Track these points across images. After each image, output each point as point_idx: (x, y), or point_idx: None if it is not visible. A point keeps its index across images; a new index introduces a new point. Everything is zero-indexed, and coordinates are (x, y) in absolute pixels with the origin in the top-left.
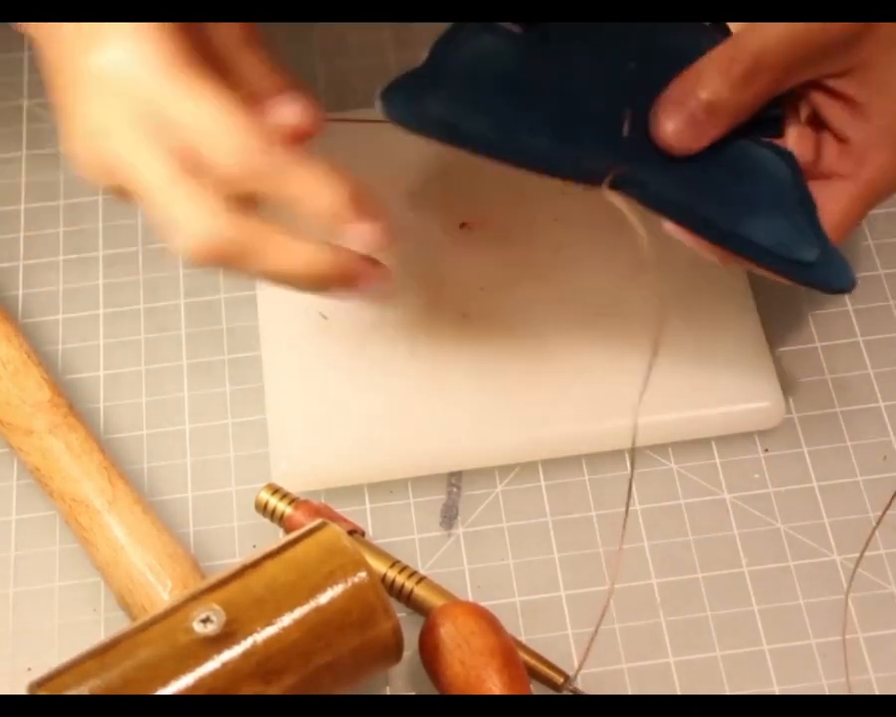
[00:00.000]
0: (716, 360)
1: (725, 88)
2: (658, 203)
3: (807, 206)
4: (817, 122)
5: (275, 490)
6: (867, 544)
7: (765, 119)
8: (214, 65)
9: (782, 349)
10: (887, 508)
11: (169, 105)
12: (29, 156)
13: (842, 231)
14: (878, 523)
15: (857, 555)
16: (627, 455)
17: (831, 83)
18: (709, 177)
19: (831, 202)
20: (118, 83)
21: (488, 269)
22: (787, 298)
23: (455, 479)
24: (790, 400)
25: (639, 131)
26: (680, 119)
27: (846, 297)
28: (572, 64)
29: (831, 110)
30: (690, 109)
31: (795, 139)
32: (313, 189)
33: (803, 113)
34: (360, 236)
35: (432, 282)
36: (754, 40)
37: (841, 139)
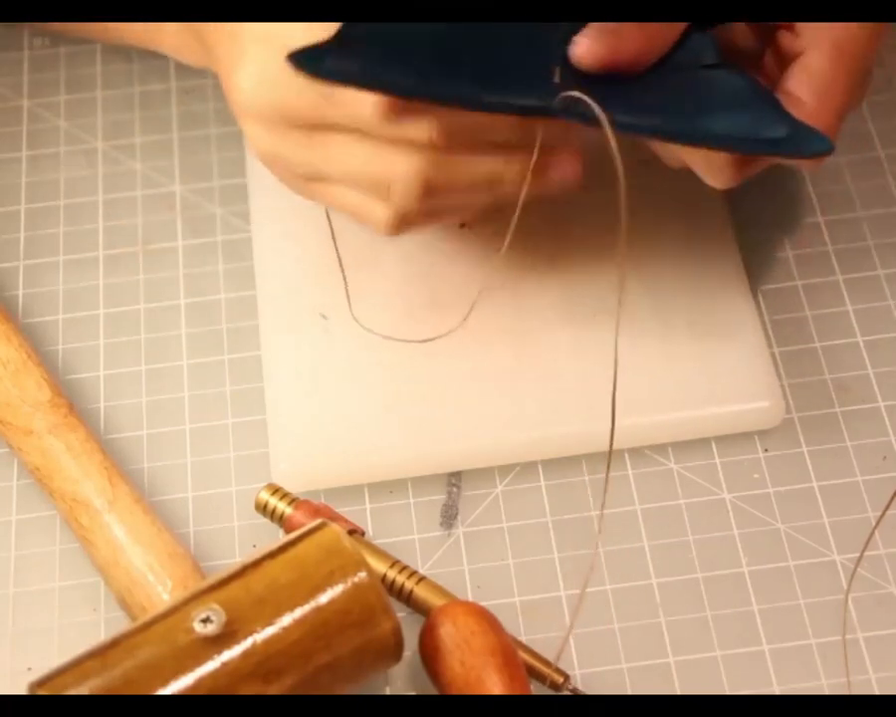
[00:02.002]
0: (716, 360)
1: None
2: (598, 123)
3: (768, 98)
4: (768, 33)
5: (275, 490)
6: (867, 544)
7: (700, 60)
8: None
9: (781, 348)
10: (887, 508)
11: (319, 105)
12: (29, 156)
13: (834, 96)
14: (878, 523)
15: (857, 555)
16: (627, 454)
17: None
18: (656, 96)
19: (812, 68)
20: (261, 106)
21: (488, 269)
22: (788, 298)
23: (455, 479)
24: (790, 400)
25: (570, 78)
26: (598, 31)
27: (846, 297)
28: (491, 30)
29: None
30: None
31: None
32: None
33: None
34: None
35: (432, 282)
36: None
37: (789, 28)
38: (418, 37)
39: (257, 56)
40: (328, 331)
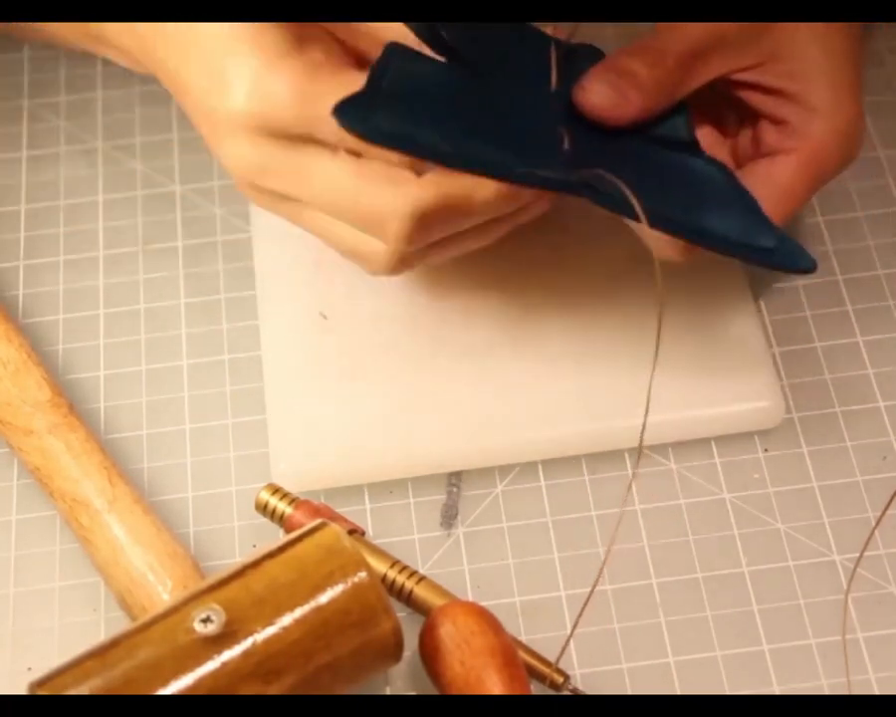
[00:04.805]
0: (716, 360)
1: (645, 66)
2: (618, 207)
3: (751, 203)
4: (752, 116)
5: (275, 490)
6: (867, 544)
7: (680, 144)
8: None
9: (782, 349)
10: (887, 508)
11: (310, 120)
12: (29, 156)
13: (789, 204)
14: (878, 523)
15: (857, 555)
16: (627, 455)
17: (749, 77)
18: (655, 183)
19: (777, 175)
20: (252, 120)
21: (488, 269)
22: (788, 298)
23: (455, 479)
24: (790, 400)
25: (577, 147)
26: (605, 83)
27: (846, 297)
28: (502, 90)
29: (760, 99)
30: (614, 75)
31: (733, 141)
32: None
33: (733, 117)
34: None
35: (431, 282)
36: (670, 31)
37: (778, 121)
38: (433, 96)
39: (239, 148)
40: (328, 331)
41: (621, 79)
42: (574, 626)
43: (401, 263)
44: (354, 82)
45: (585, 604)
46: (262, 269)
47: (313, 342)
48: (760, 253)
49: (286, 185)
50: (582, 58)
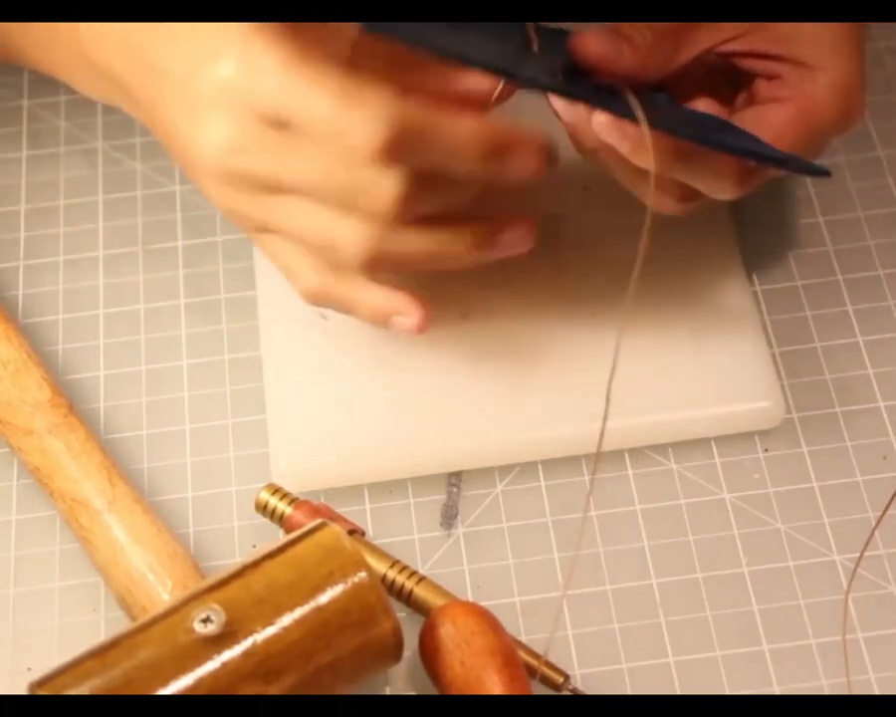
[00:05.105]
0: (716, 360)
1: (638, 31)
2: (620, 112)
3: (754, 135)
4: (748, 80)
5: (275, 490)
6: (867, 544)
7: None
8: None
9: (782, 349)
10: (887, 508)
11: (295, 103)
12: (29, 156)
13: (777, 146)
14: (878, 523)
15: (857, 555)
16: (627, 455)
17: (739, 45)
18: (658, 110)
19: (769, 117)
20: (238, 92)
21: (488, 269)
22: (788, 298)
23: (455, 479)
24: (790, 400)
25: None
26: (603, 34)
27: (846, 297)
28: (488, 38)
29: (754, 63)
30: (610, 32)
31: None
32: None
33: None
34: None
35: (432, 282)
36: None
37: (773, 77)
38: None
39: (221, 123)
40: (328, 331)
41: (617, 37)
42: (566, 628)
43: (375, 254)
44: (338, 72)
45: (573, 567)
46: (262, 269)
47: (313, 342)
48: (774, 160)
49: (264, 163)
50: (559, 34)
